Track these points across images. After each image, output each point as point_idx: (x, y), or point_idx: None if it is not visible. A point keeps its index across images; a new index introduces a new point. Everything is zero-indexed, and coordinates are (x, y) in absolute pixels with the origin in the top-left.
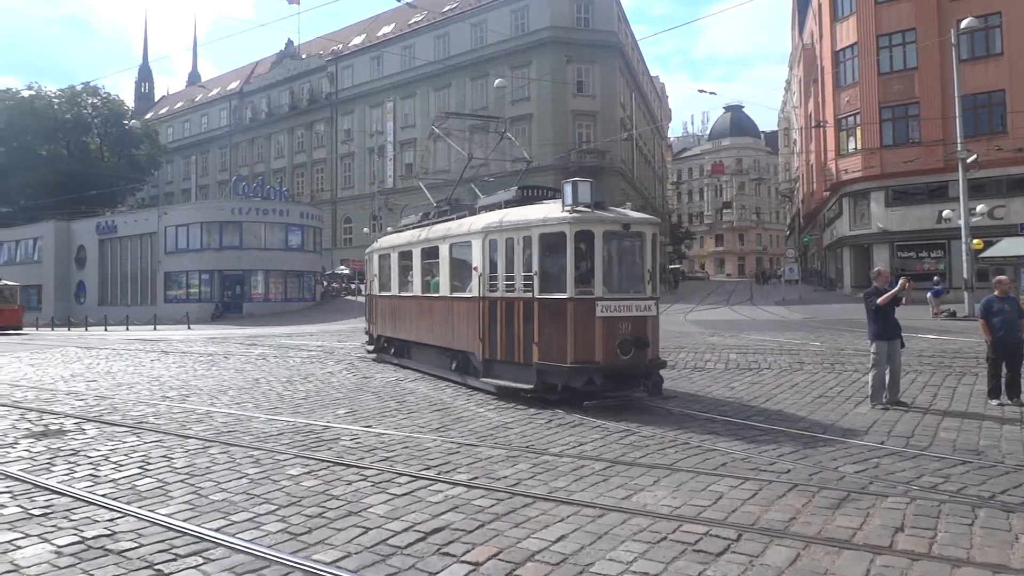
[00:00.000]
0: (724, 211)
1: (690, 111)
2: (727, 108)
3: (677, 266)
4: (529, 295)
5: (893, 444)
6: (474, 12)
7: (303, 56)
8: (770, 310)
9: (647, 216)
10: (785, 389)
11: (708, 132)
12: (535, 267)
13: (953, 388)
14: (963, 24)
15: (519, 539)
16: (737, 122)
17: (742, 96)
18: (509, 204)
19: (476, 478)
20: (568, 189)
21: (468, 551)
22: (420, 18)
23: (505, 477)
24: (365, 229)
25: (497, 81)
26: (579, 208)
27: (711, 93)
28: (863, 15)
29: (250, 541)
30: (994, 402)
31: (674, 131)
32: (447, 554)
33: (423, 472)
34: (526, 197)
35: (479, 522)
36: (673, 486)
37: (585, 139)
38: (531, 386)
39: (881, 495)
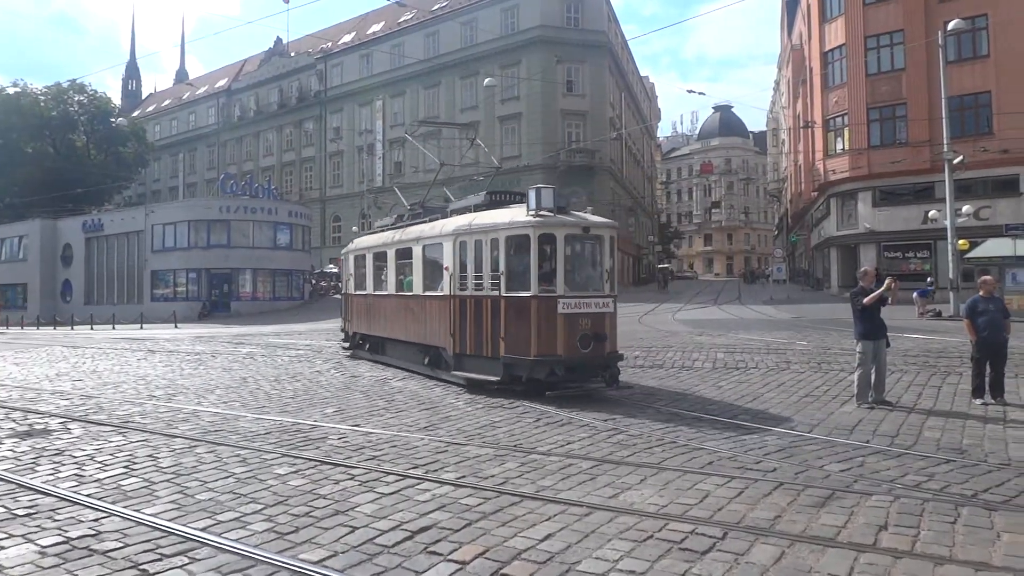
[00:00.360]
0: (713, 211)
1: (679, 111)
2: (716, 108)
3: (666, 265)
4: (496, 293)
5: (878, 443)
6: (464, 11)
7: (292, 54)
8: (758, 309)
9: (606, 220)
10: (772, 388)
11: (697, 132)
12: (502, 267)
13: (938, 387)
14: (950, 26)
15: (506, 538)
16: (726, 122)
17: (731, 96)
18: (478, 208)
19: (463, 477)
20: (532, 195)
21: (455, 550)
22: (410, 16)
23: (493, 476)
24: (354, 228)
25: (487, 80)
26: (543, 212)
27: (700, 93)
28: (851, 16)
29: (236, 541)
30: (978, 401)
31: (663, 131)
32: (434, 553)
33: (410, 471)
34: (494, 201)
35: (466, 521)
36: (660, 485)
37: (575, 138)
38: (498, 378)
39: (865, 493)
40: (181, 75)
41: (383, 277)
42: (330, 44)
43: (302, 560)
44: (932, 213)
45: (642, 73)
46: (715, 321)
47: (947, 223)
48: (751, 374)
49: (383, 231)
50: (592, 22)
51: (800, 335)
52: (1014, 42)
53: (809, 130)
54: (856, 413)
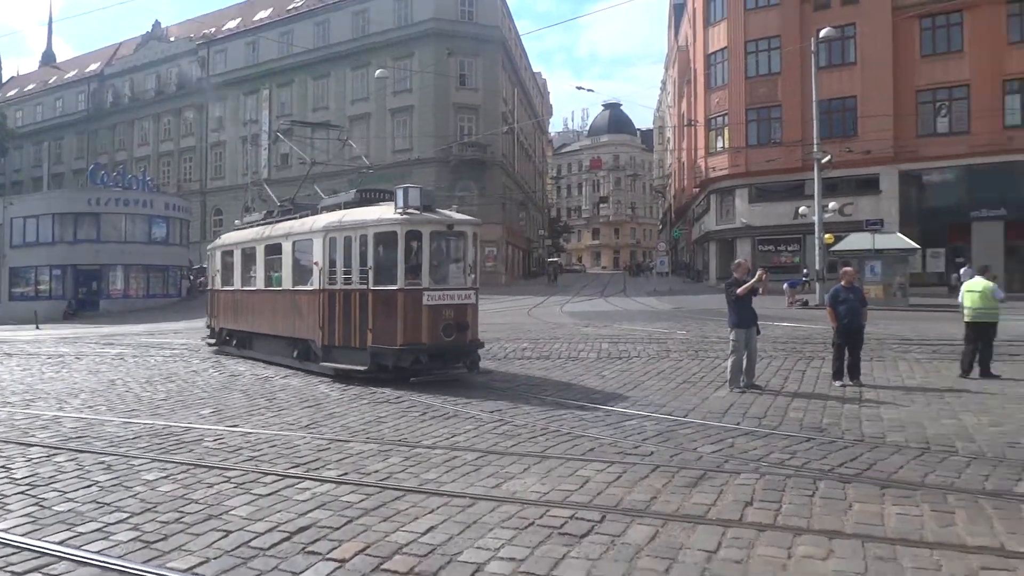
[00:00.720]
0: (601, 206)
1: (571, 108)
2: (606, 106)
3: (555, 259)
4: (365, 287)
5: (747, 425)
6: (356, 0)
7: (171, 38)
8: (642, 301)
9: (469, 218)
10: (652, 376)
11: (587, 128)
12: (370, 262)
13: (803, 372)
14: (822, 33)
15: (387, 533)
16: (615, 119)
17: (622, 94)
18: (349, 205)
19: (346, 474)
20: (400, 193)
21: (334, 548)
22: (299, 3)
23: (376, 472)
24: (237, 221)
25: (378, 72)
26: (410, 210)
27: (589, 90)
28: (733, 21)
29: (97, 553)
30: (837, 383)
31: (555, 127)
32: (312, 552)
33: (290, 470)
34: (364, 199)
35: (347, 518)
36: (543, 473)
37: (467, 132)
38: (366, 367)
39: (734, 472)
40: (48, 58)
41: (252, 273)
42: (213, 30)
43: (170, 569)
44: (802, 209)
45: (535, 69)
46: (601, 313)
47: (815, 218)
48: (633, 363)
49: (252, 227)
50: (486, 16)
51: (680, 325)
52: (877, 51)
53: (692, 129)
54: (729, 397)
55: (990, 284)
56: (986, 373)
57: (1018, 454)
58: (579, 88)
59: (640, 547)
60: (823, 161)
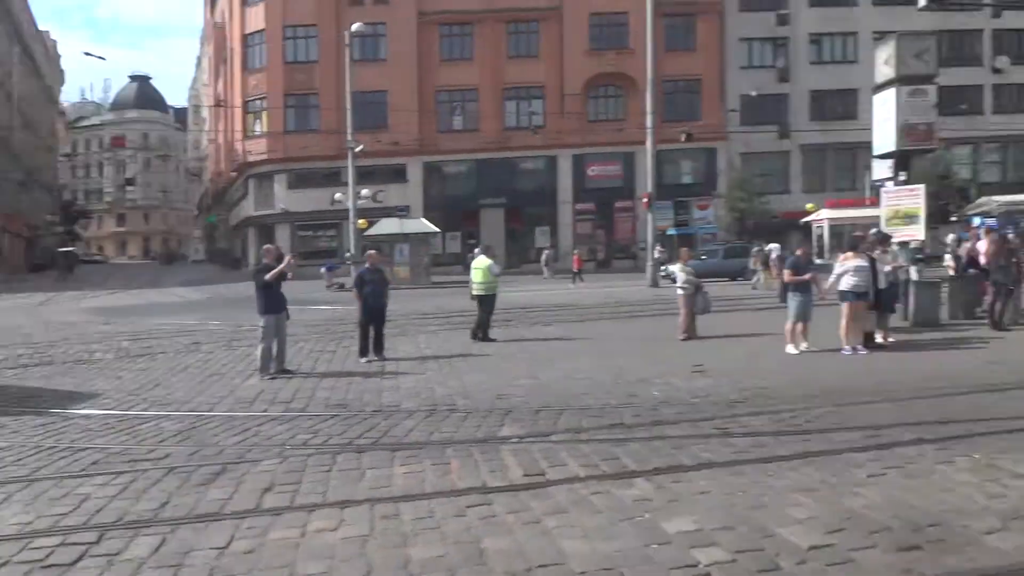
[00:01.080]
0: (127, 188)
1: (90, 77)
2: (133, 78)
3: (71, 248)
4: None
5: (275, 410)
6: None
7: None
8: (174, 292)
9: None
10: (178, 372)
11: (111, 102)
12: None
13: (333, 352)
14: (353, 28)
15: None
16: (144, 94)
17: (152, 68)
18: None
19: None
20: None
21: None
22: None
23: None
24: None
25: None
26: None
27: (99, 57)
28: (271, 3)
29: None
30: (363, 359)
31: (70, 96)
32: None
33: None
34: None
35: None
36: (29, 499)
37: None
38: None
39: (256, 461)
40: None
41: None
42: None
43: None
44: (337, 195)
45: (43, 27)
46: (125, 308)
47: (350, 205)
48: (157, 360)
49: None
50: None
51: (213, 315)
52: (404, 51)
53: (229, 110)
54: (259, 385)
55: (489, 262)
56: (485, 337)
57: (503, 404)
58: (87, 54)
59: (143, 560)
60: (356, 150)
